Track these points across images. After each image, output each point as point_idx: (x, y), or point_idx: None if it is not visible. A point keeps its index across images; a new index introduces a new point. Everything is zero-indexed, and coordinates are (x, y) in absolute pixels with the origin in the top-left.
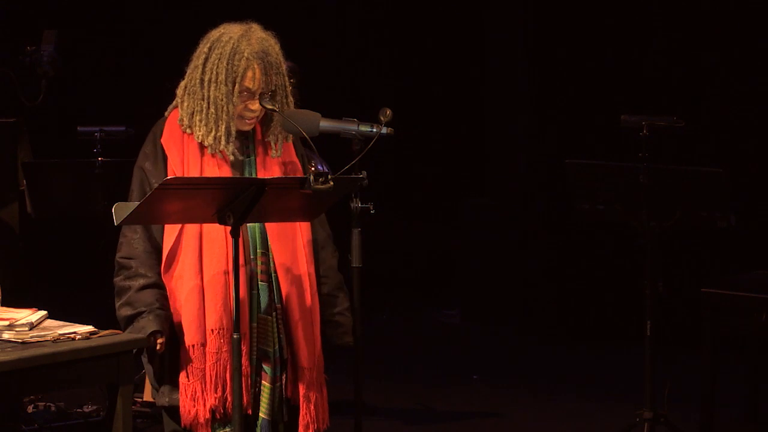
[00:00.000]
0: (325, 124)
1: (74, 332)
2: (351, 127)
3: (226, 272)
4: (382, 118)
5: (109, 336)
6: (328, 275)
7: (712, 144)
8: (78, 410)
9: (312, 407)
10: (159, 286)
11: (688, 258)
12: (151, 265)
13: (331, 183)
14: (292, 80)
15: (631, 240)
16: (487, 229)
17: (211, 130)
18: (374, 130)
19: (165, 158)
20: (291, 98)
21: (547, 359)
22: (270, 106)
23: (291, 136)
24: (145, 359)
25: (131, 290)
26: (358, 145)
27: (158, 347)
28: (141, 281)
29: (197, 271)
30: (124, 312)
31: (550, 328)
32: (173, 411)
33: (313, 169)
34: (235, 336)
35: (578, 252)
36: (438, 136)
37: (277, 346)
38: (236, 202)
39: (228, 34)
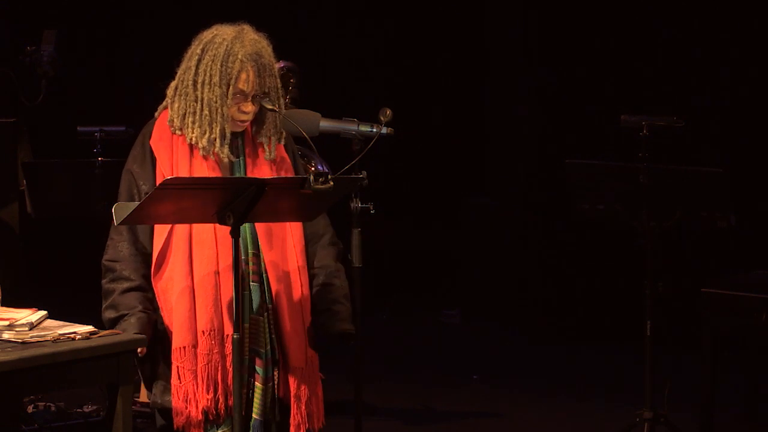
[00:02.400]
0: (325, 124)
1: (74, 332)
2: (351, 127)
3: (217, 273)
4: (382, 118)
5: (109, 336)
6: (323, 265)
7: (712, 144)
8: (78, 410)
9: (303, 407)
10: (142, 289)
11: (688, 258)
12: (136, 268)
13: (331, 183)
14: (292, 80)
15: (631, 240)
16: (487, 229)
17: (205, 132)
18: (374, 130)
19: (153, 160)
20: (282, 99)
21: (547, 359)
22: (270, 107)
23: (284, 135)
24: (146, 362)
25: (115, 293)
26: (358, 145)
27: (138, 351)
28: (125, 284)
29: (187, 272)
30: (108, 315)
31: (549, 328)
32: (166, 412)
33: (313, 169)
34: (235, 336)
35: (578, 252)
36: (438, 136)
37: (269, 347)
38: (236, 202)
39: (221, 35)
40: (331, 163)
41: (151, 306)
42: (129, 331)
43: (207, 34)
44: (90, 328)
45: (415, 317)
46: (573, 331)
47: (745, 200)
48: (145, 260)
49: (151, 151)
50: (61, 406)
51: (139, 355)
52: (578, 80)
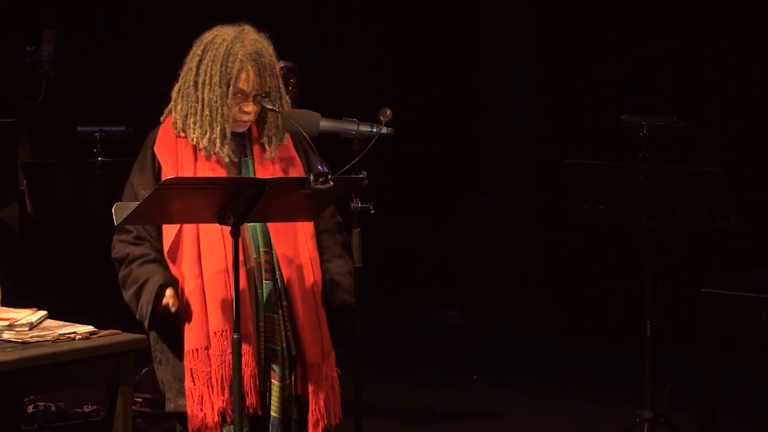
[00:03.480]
0: (325, 124)
1: (74, 332)
2: (351, 127)
3: (226, 272)
4: (382, 118)
5: (109, 336)
6: (329, 246)
7: (712, 144)
8: (78, 410)
9: (321, 403)
10: (159, 261)
11: (688, 258)
12: (149, 246)
13: (331, 183)
14: (292, 80)
15: (631, 240)
16: (487, 229)
17: (206, 133)
18: (374, 130)
19: (155, 167)
20: (286, 98)
21: (547, 359)
22: (270, 107)
23: (287, 135)
24: (159, 367)
25: (132, 270)
26: (358, 145)
27: (170, 302)
28: (141, 260)
29: (197, 274)
30: (131, 291)
31: (550, 328)
32: (181, 416)
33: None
34: (235, 336)
35: (578, 252)
36: (438, 136)
37: (284, 344)
38: (236, 202)
39: (221, 36)
40: (331, 163)
41: (171, 273)
42: (153, 286)
43: (208, 35)
44: (90, 328)
45: (415, 317)
46: (573, 331)
47: (745, 200)
48: (153, 246)
49: (154, 158)
50: (61, 406)
51: (170, 304)
52: (578, 80)
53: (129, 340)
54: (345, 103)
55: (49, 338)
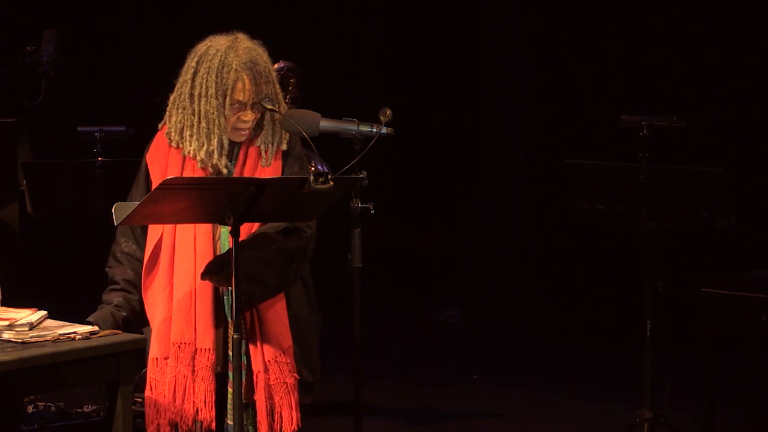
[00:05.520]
0: (325, 124)
1: (74, 332)
2: (351, 127)
3: (194, 287)
4: (382, 118)
5: (109, 336)
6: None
7: (712, 144)
8: (78, 410)
9: (275, 410)
10: (125, 290)
11: (688, 258)
12: (123, 268)
13: (331, 183)
14: (291, 80)
15: (631, 240)
16: (487, 229)
17: (203, 145)
18: (374, 130)
19: (147, 176)
20: (284, 105)
21: (547, 359)
22: (270, 106)
23: (285, 141)
24: None
25: (103, 295)
26: (358, 145)
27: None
28: (109, 286)
29: (166, 284)
30: None
31: (550, 328)
32: None
33: (313, 169)
34: (235, 336)
35: (578, 252)
36: (438, 136)
37: (240, 351)
38: (236, 202)
39: (215, 46)
40: (331, 163)
41: (128, 306)
42: (92, 317)
43: (201, 47)
44: (90, 328)
45: (415, 317)
46: (573, 331)
47: (745, 200)
48: (130, 266)
49: (146, 167)
50: (61, 406)
51: None
52: (578, 80)
53: (129, 340)
54: (345, 103)
55: (49, 338)
